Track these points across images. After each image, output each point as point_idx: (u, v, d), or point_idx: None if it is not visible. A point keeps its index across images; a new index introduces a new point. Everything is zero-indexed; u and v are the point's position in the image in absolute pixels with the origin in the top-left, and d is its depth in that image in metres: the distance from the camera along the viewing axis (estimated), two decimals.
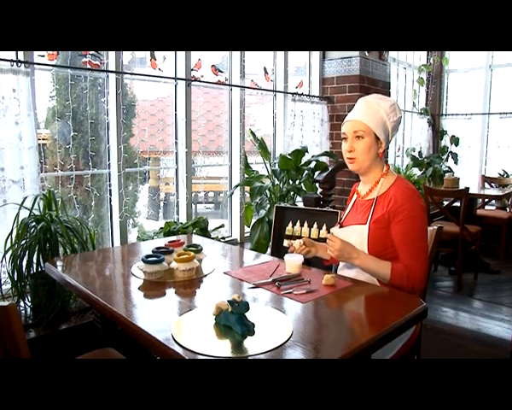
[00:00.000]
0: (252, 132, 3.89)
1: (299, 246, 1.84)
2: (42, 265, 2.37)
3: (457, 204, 4.01)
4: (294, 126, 4.28)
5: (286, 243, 1.96)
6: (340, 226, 1.87)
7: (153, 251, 1.86)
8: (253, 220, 3.73)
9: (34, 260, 2.37)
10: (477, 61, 6.01)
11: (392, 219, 1.67)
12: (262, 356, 1.11)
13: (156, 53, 3.35)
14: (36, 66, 2.64)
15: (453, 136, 6.08)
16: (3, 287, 2.39)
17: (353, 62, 4.48)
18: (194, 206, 4.09)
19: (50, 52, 2.78)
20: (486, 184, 5.35)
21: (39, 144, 2.63)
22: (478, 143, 5.98)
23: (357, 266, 1.71)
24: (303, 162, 3.85)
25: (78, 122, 3.01)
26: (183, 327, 1.28)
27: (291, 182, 3.77)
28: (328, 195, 3.57)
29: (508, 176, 5.43)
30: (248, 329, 1.23)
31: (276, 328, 1.27)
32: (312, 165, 3.88)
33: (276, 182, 3.83)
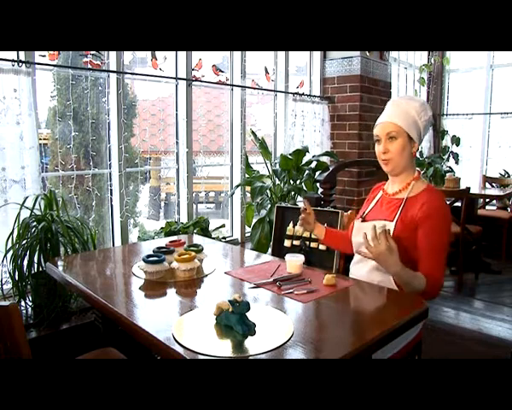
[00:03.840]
0: (253, 132, 3.89)
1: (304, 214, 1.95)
2: (43, 265, 2.37)
3: (458, 204, 4.00)
4: (295, 126, 4.28)
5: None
6: (363, 220, 1.86)
7: (154, 251, 1.86)
8: (254, 220, 3.73)
9: (35, 260, 2.38)
10: (478, 60, 6.00)
11: (421, 224, 1.66)
12: (263, 356, 1.11)
13: (157, 53, 3.36)
14: (37, 66, 2.64)
15: (454, 136, 6.07)
16: (4, 287, 2.40)
17: (354, 62, 4.48)
18: (194, 206, 4.09)
19: (51, 52, 2.78)
20: (487, 184, 5.34)
21: (40, 144, 2.63)
22: (479, 143, 5.97)
23: (391, 274, 1.67)
24: (304, 162, 3.85)
25: (78, 122, 3.01)
26: (184, 327, 1.28)
27: (292, 182, 3.77)
28: (329, 195, 3.57)
29: (509, 176, 5.42)
30: (249, 329, 1.23)
31: (276, 328, 1.27)
32: (313, 165, 3.88)
33: (277, 182, 3.83)
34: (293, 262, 1.76)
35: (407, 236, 1.68)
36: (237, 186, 3.81)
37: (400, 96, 1.86)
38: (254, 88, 4.14)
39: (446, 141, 6.23)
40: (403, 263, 1.61)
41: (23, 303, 2.44)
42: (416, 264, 1.68)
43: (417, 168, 1.82)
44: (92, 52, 2.95)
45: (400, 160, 1.74)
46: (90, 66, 2.95)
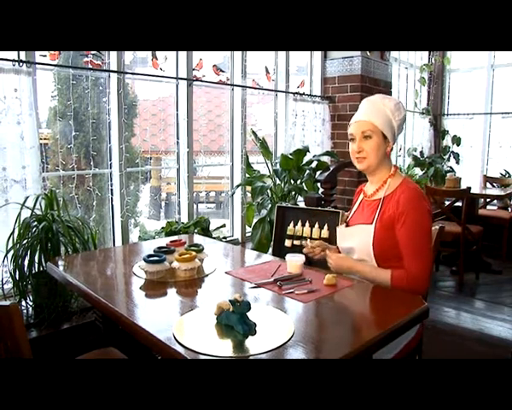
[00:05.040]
0: (253, 132, 3.89)
1: (316, 248, 1.88)
2: (43, 264, 2.37)
3: (459, 204, 4.00)
4: (296, 126, 4.28)
5: (304, 243, 1.99)
6: (347, 225, 1.88)
7: (154, 251, 1.86)
8: (255, 220, 3.73)
9: (36, 260, 2.38)
10: (479, 60, 5.99)
11: (397, 222, 1.67)
12: (263, 356, 1.11)
13: (158, 53, 3.36)
14: (37, 66, 2.64)
15: (455, 136, 6.07)
16: (5, 286, 2.40)
17: (355, 62, 4.48)
18: (195, 205, 4.09)
19: (52, 52, 2.78)
20: (488, 184, 5.33)
21: (41, 144, 2.63)
22: (480, 143, 5.97)
23: (358, 276, 1.73)
24: (304, 162, 3.84)
25: (79, 122, 3.01)
26: (185, 327, 1.28)
27: (292, 182, 3.77)
28: (330, 194, 3.57)
29: (509, 176, 5.41)
30: (250, 328, 1.23)
31: (277, 328, 1.27)
32: (314, 165, 3.88)
33: (278, 182, 3.83)
34: (294, 262, 1.75)
35: (388, 235, 1.69)
36: (238, 186, 3.81)
37: (375, 95, 1.89)
38: (255, 88, 4.14)
39: (447, 141, 6.23)
40: (389, 262, 1.69)
41: (24, 303, 2.44)
42: (402, 262, 1.69)
43: (394, 164, 1.82)
44: (93, 52, 2.95)
45: (374, 158, 1.74)
46: (90, 66, 2.95)
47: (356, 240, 1.76)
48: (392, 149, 1.78)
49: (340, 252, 1.88)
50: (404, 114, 1.77)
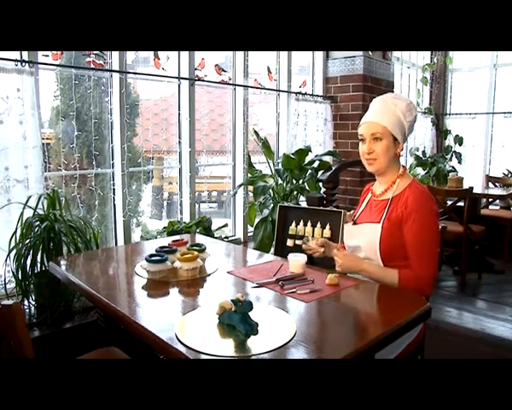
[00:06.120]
0: (255, 132, 3.89)
1: (316, 246, 1.88)
2: (46, 264, 2.38)
3: (461, 204, 4.00)
4: (298, 126, 4.28)
5: (301, 242, 1.98)
6: (354, 223, 1.88)
7: (156, 250, 1.86)
8: (257, 220, 3.73)
9: (38, 260, 2.38)
10: (481, 60, 5.98)
11: (405, 222, 1.67)
12: (265, 356, 1.11)
13: (160, 53, 3.36)
14: (40, 65, 2.65)
15: (457, 135, 6.06)
16: (8, 286, 2.40)
17: (357, 62, 4.47)
18: (197, 205, 4.09)
19: (54, 52, 2.79)
20: (490, 184, 5.32)
21: (43, 144, 2.64)
22: (482, 143, 5.96)
23: (364, 275, 1.72)
24: (306, 162, 3.84)
25: (81, 121, 3.01)
26: (187, 326, 1.28)
27: (294, 181, 3.77)
28: (332, 194, 3.57)
29: None
30: (252, 328, 1.23)
31: (279, 327, 1.27)
32: (316, 164, 3.88)
33: (280, 181, 3.83)
34: (296, 262, 1.76)
35: (395, 234, 1.69)
36: (240, 186, 3.82)
37: (387, 94, 1.87)
38: (257, 87, 4.14)
39: (449, 141, 6.22)
40: (395, 261, 1.69)
41: (26, 302, 2.45)
42: (407, 262, 1.69)
43: (402, 165, 1.82)
44: (95, 52, 2.96)
45: (384, 160, 1.73)
46: (92, 65, 2.95)
47: (363, 238, 1.76)
48: (402, 150, 1.77)
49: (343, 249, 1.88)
50: (415, 115, 1.76)
